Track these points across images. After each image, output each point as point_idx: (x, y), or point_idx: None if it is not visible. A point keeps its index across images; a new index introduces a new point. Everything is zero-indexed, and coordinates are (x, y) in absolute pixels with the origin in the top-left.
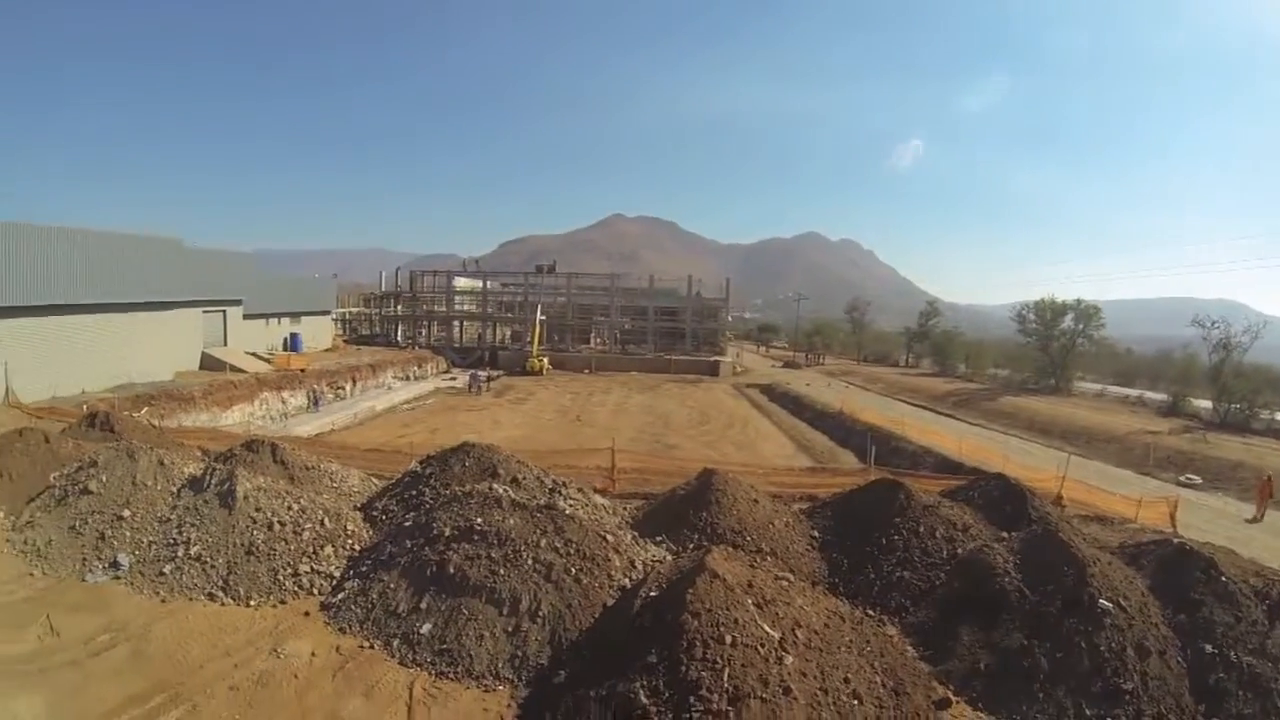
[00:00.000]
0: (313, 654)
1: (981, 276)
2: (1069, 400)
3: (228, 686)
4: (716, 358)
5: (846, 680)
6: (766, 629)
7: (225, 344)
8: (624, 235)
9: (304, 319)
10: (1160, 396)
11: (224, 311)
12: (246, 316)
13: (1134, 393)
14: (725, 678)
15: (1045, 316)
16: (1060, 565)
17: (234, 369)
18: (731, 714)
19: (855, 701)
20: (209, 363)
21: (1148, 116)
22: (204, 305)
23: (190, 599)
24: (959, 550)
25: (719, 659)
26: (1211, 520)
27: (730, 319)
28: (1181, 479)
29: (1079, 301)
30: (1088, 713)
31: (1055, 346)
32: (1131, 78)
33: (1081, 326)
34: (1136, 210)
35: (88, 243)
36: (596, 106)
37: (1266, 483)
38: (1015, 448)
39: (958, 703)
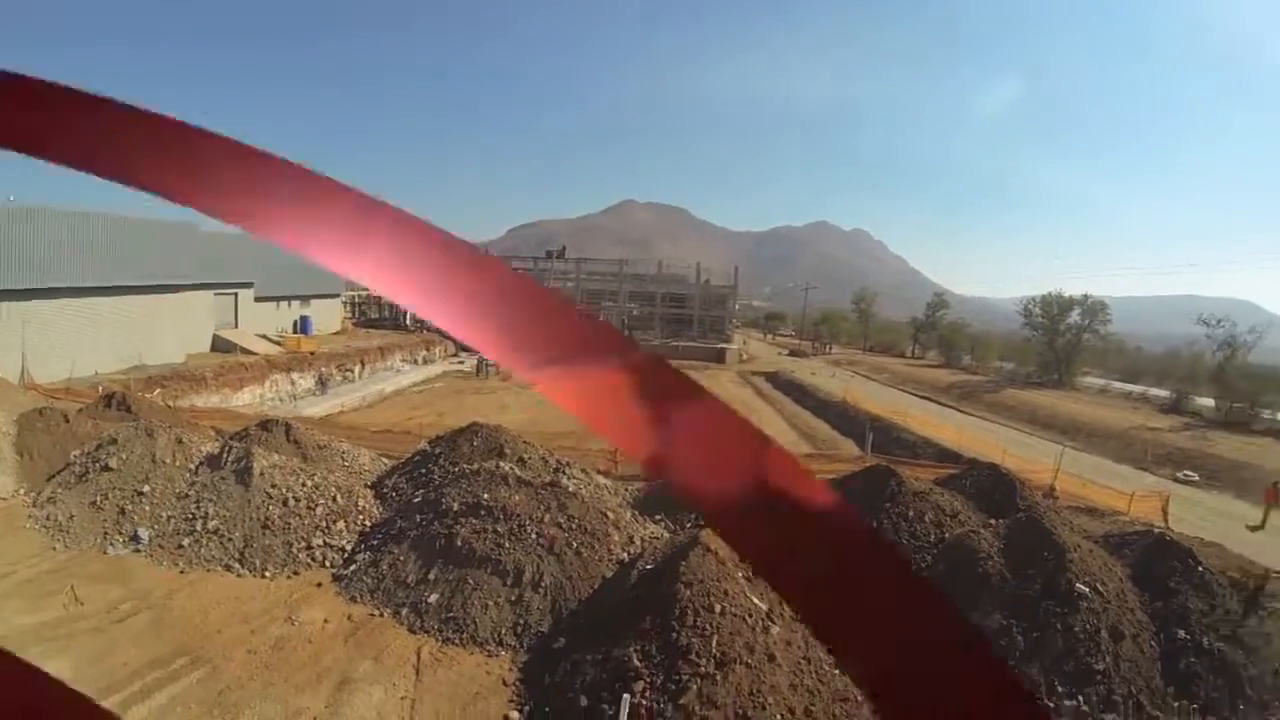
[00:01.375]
0: (325, 621)
1: (992, 270)
2: (1072, 395)
3: (245, 650)
4: (723, 345)
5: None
6: (755, 601)
7: (236, 326)
8: (635, 221)
9: (314, 302)
10: (1164, 394)
11: (235, 294)
12: (257, 299)
13: (1138, 389)
14: (714, 644)
15: (1051, 311)
16: (1041, 551)
17: (244, 351)
18: (718, 677)
19: (836, 670)
20: (220, 345)
21: (1162, 112)
22: (215, 288)
23: (208, 570)
24: (947, 535)
25: (708, 626)
26: (1206, 517)
27: (738, 307)
28: (1179, 475)
29: (1086, 297)
30: (1059, 689)
31: (1060, 341)
32: (1146, 72)
33: (1088, 322)
34: (1152, 207)
35: (102, 226)
36: (610, 91)
37: (1273, 488)
38: (1015, 440)
39: None
